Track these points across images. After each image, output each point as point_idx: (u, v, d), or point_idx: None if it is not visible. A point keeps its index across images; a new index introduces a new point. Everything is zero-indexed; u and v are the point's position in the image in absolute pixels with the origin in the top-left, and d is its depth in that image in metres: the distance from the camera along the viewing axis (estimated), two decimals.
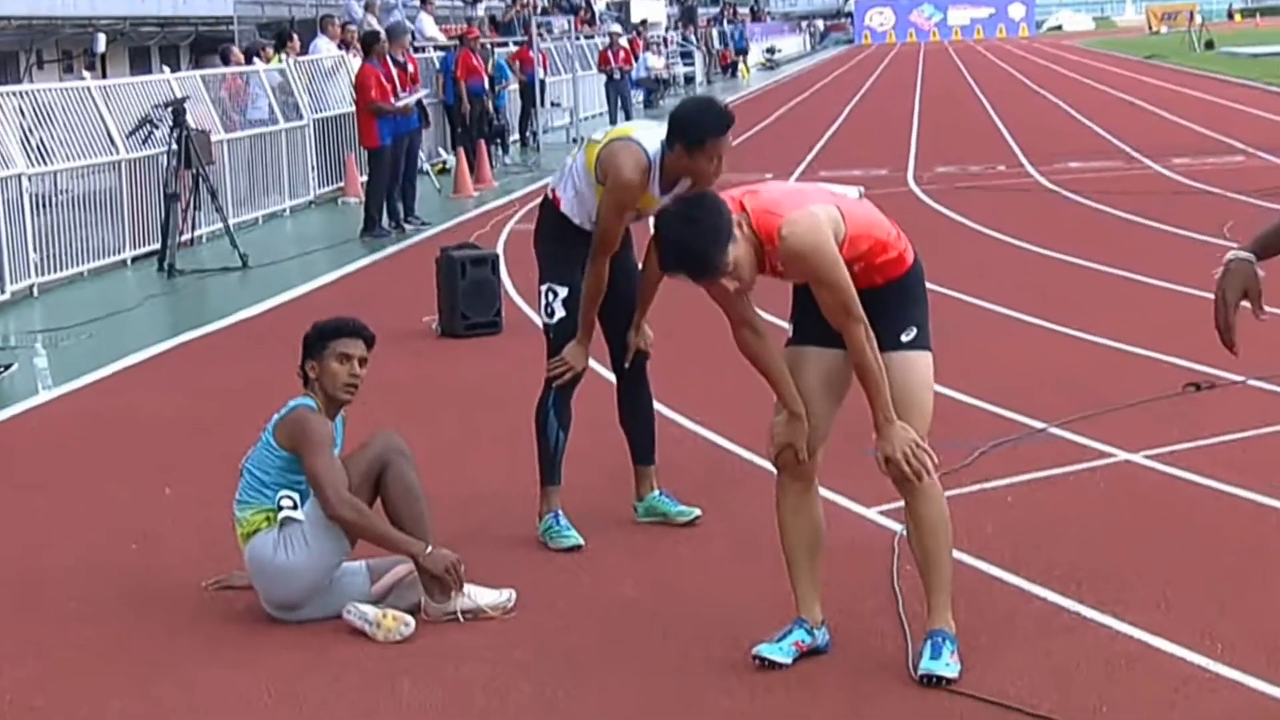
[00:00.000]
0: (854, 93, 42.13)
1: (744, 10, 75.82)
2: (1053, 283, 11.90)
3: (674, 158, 5.84)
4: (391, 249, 15.73)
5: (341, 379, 5.50)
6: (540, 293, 6.30)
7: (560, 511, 6.29)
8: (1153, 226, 14.74)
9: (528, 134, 28.00)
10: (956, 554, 5.88)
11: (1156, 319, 10.17)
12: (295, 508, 5.36)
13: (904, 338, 4.88)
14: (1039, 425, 7.70)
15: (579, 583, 5.87)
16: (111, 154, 15.18)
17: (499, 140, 24.87)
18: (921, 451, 4.76)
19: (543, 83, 28.78)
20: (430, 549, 5.35)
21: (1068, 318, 10.05)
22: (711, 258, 4.56)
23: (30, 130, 14.36)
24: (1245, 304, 3.80)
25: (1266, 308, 3.87)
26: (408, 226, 17.04)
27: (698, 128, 5.77)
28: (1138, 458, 7.12)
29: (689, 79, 48.76)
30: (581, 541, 6.19)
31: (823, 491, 5.19)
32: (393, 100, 16.55)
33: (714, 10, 66.48)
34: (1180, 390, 8.23)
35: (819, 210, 4.73)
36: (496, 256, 10.82)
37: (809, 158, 23.39)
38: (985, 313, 10.57)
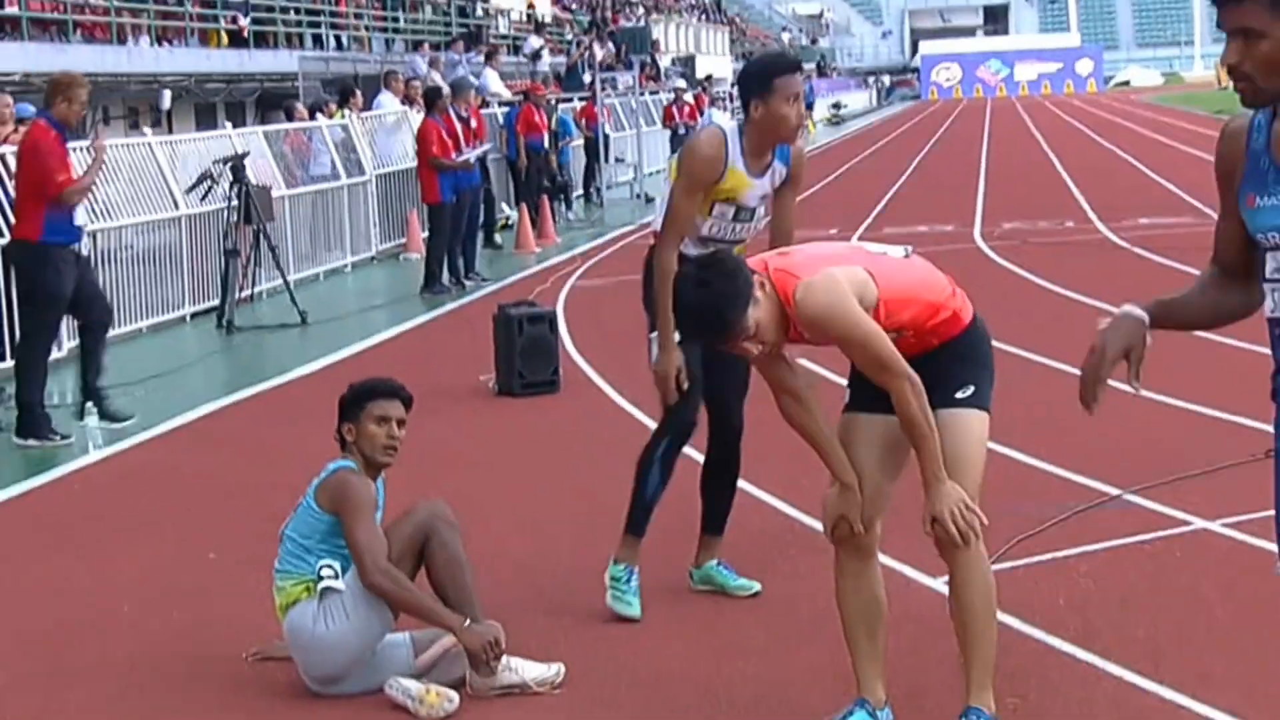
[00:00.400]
0: (920, 148, 41.90)
1: (810, 66, 75.81)
2: None
3: (754, 121, 5.76)
4: (451, 305, 15.59)
5: (380, 441, 5.31)
6: (649, 341, 6.05)
7: (636, 571, 6.07)
8: None
9: (592, 190, 27.94)
10: (1025, 628, 5.64)
11: (1235, 381, 9.85)
12: (336, 577, 5.16)
13: (959, 395, 4.65)
14: (1113, 491, 7.42)
15: (629, 654, 5.64)
16: (173, 210, 15.15)
17: (562, 196, 24.79)
18: (970, 513, 4.53)
19: (607, 138, 28.75)
20: (469, 623, 5.14)
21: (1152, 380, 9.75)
22: (727, 319, 4.40)
23: (94, 186, 14.33)
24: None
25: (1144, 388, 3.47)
26: (468, 283, 16.91)
27: (762, 73, 5.80)
28: (1216, 526, 6.83)
29: None
30: (638, 615, 5.96)
31: (886, 561, 4.96)
32: (454, 156, 16.45)
33: None
34: (1263, 455, 7.92)
35: (838, 272, 4.52)
36: (554, 314, 10.65)
37: (874, 212, 23.16)
38: (1055, 373, 10.30)
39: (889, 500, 4.80)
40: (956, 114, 65.51)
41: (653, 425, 6.36)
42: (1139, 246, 17.53)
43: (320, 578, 5.17)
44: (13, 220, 10.78)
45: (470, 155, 16.94)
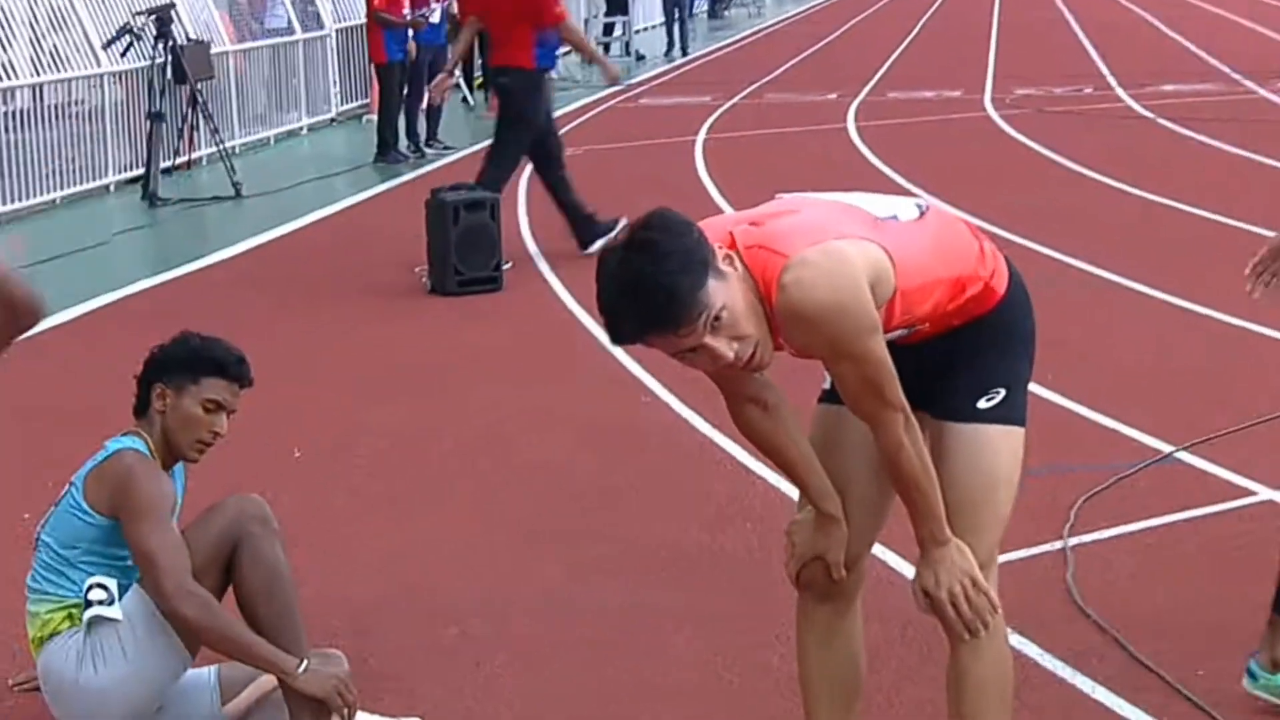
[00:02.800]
0: (927, 6, 39.94)
1: None
2: (1164, 237, 10.14)
3: None
4: (406, 177, 14.05)
5: (200, 431, 3.86)
6: None
7: None
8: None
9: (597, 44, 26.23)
10: (1050, 661, 4.26)
11: None
12: (110, 602, 3.75)
13: (983, 403, 3.23)
14: (1166, 447, 6.00)
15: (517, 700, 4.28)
16: (92, 66, 13.59)
17: None
18: (980, 594, 3.14)
19: None
20: (305, 665, 3.74)
21: (1187, 287, 8.33)
22: (676, 292, 2.90)
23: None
24: None
25: None
26: (429, 151, 15.38)
27: None
28: None
29: None
30: None
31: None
32: (405, 13, 14.81)
33: None
34: None
35: (849, 247, 3.05)
36: (496, 200, 9.11)
37: (877, 76, 21.46)
38: (1083, 276, 8.86)
39: (884, 523, 3.39)
40: None
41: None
42: (1163, 117, 15.97)
43: (88, 603, 3.76)
44: None
45: (430, 12, 15.31)
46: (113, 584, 3.77)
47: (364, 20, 18.30)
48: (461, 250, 8.88)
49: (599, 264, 2.98)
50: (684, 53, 26.55)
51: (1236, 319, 7.64)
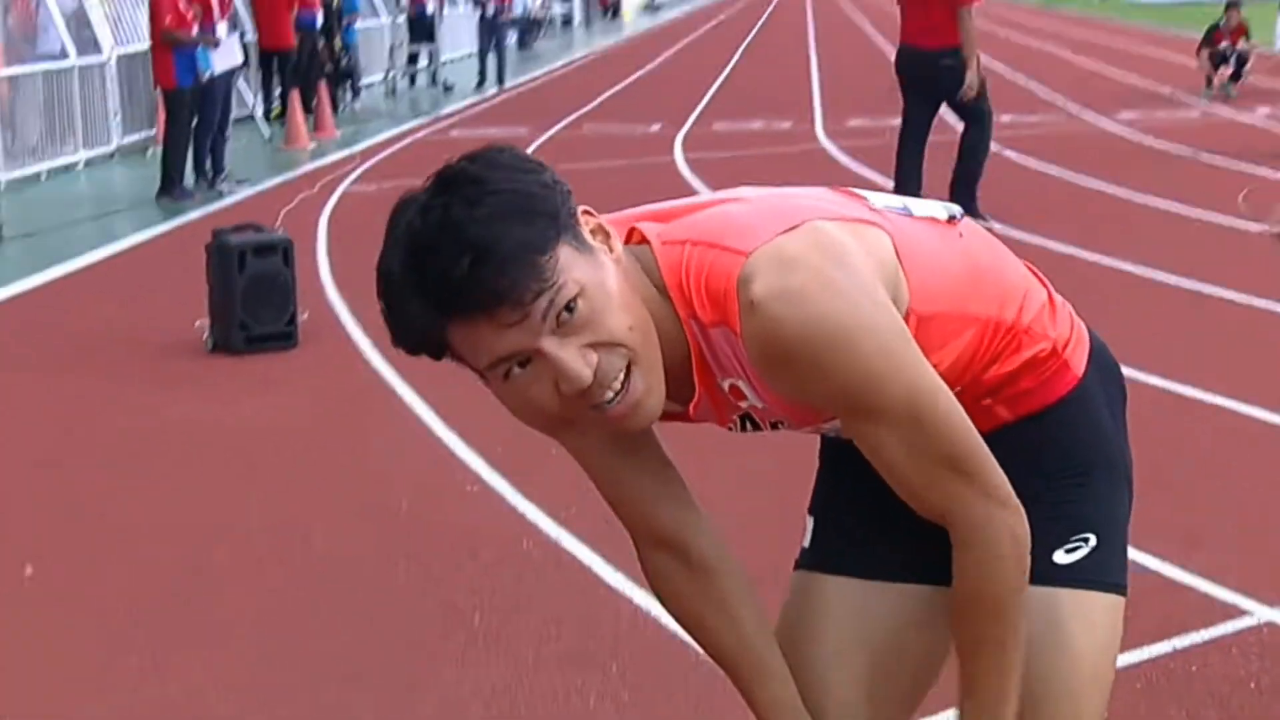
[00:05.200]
0: (744, 36, 39.21)
1: None
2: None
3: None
4: (192, 215, 12.58)
5: None
6: None
7: None
8: (1156, 206, 12.08)
9: (392, 76, 24.91)
10: None
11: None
12: None
13: (1063, 556, 2.09)
14: None
15: None
16: None
17: (348, 82, 21.74)
18: None
19: (431, 18, 25.79)
20: None
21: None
22: (498, 250, 1.75)
23: None
24: None
25: None
26: (221, 187, 13.95)
27: None
28: None
29: (566, 21, 45.69)
30: None
31: None
32: (193, 30, 13.38)
33: None
34: None
35: (839, 231, 1.92)
36: (288, 243, 7.73)
37: (698, 109, 20.38)
38: None
39: None
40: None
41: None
42: (1009, 148, 15.16)
43: None
44: None
45: (223, 35, 13.90)
46: None
47: (148, 43, 16.97)
48: (249, 302, 7.51)
49: (390, 218, 1.84)
50: (500, 83, 25.32)
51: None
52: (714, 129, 17.78)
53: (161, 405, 6.90)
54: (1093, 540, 2.09)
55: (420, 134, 18.23)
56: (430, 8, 25.83)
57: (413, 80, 26.28)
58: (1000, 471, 1.93)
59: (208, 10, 13.62)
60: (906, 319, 1.93)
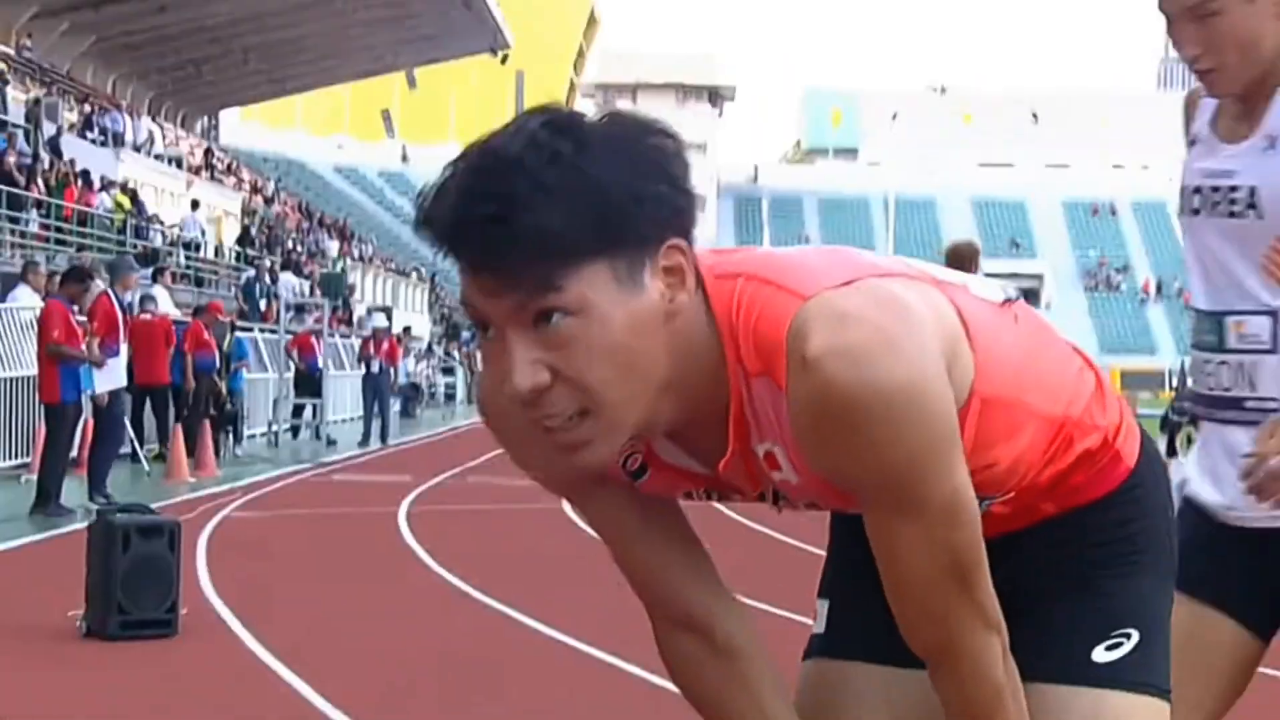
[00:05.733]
0: None
1: None
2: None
3: None
4: (64, 529, 12.16)
5: None
6: None
7: None
8: None
9: (276, 426, 24.79)
10: None
11: None
12: None
13: (1103, 653, 1.92)
14: None
15: None
16: None
17: (230, 427, 21.53)
18: None
19: (320, 373, 25.98)
20: None
21: None
22: (532, 228, 1.57)
23: None
24: None
25: None
26: (95, 504, 13.54)
27: None
28: None
29: (450, 394, 46.31)
30: None
31: None
32: (80, 346, 13.18)
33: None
34: None
35: (905, 290, 1.75)
36: (176, 525, 7.42)
37: None
38: None
39: None
40: None
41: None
42: None
43: None
44: None
45: (114, 352, 13.70)
46: None
47: (30, 372, 16.71)
48: (130, 585, 7.12)
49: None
50: (384, 441, 25.27)
51: None
52: None
53: (24, 693, 6.43)
54: (1135, 637, 1.92)
55: (306, 475, 17.98)
56: (320, 362, 25.98)
57: (295, 433, 26.17)
58: (994, 594, 1.76)
59: (102, 332, 13.48)
60: (969, 400, 1.76)
